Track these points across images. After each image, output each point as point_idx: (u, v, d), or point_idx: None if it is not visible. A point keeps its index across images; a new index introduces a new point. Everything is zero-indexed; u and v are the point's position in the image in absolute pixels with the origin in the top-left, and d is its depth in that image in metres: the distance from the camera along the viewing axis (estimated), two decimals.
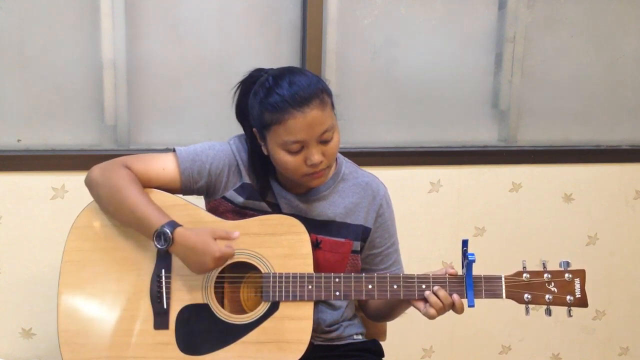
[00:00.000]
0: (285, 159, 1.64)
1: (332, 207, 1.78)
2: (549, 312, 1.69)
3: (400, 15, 2.61)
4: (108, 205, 1.69)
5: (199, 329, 1.67)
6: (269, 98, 1.62)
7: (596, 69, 2.82)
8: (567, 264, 1.68)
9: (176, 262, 1.69)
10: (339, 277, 1.68)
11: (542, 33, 2.74)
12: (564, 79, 2.79)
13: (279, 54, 2.52)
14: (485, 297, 1.67)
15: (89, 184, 1.72)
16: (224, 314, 1.68)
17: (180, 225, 1.63)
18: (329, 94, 1.67)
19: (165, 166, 1.74)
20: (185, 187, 1.75)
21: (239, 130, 1.81)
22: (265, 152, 1.70)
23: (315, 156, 1.62)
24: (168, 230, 1.61)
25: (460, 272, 1.69)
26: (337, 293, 1.68)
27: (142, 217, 1.64)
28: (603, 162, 2.82)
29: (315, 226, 1.76)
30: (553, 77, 2.78)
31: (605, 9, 2.77)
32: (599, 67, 2.82)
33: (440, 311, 1.66)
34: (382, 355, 1.91)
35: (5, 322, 2.40)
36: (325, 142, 1.64)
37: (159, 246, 1.62)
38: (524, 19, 2.70)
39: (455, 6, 2.65)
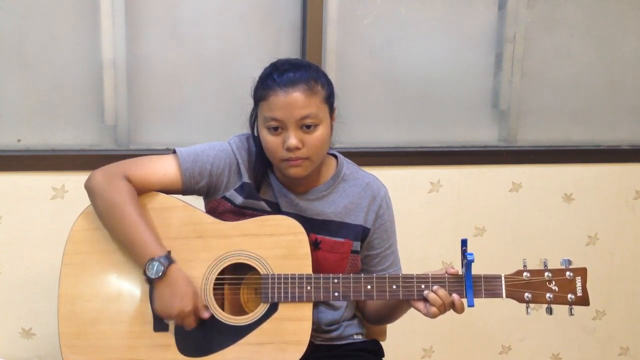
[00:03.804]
0: (265, 138, 1.68)
1: (331, 207, 1.78)
2: (550, 311, 1.68)
3: (400, 15, 2.61)
4: (104, 220, 1.69)
5: (198, 330, 1.67)
6: (264, 77, 1.68)
7: (596, 69, 2.81)
8: (569, 262, 1.68)
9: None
10: (338, 278, 1.67)
11: (542, 33, 2.74)
12: (564, 79, 2.79)
13: (279, 54, 2.46)
14: (485, 297, 1.66)
15: (88, 190, 1.72)
16: (223, 316, 1.68)
17: (174, 262, 1.64)
18: (325, 87, 1.69)
19: (166, 169, 1.74)
20: (186, 188, 1.75)
21: (239, 129, 1.82)
22: (256, 133, 1.75)
23: (292, 140, 1.64)
24: (164, 264, 1.61)
25: (460, 272, 1.68)
26: (336, 294, 1.67)
27: (137, 242, 1.64)
28: (603, 162, 2.82)
29: (314, 226, 1.76)
30: (553, 77, 2.78)
31: (605, 9, 2.77)
32: (599, 67, 2.81)
33: (441, 309, 1.66)
34: (382, 355, 1.91)
35: (5, 322, 2.40)
36: (306, 130, 1.65)
37: (150, 276, 1.61)
38: (524, 19, 2.70)
39: (455, 6, 2.65)
